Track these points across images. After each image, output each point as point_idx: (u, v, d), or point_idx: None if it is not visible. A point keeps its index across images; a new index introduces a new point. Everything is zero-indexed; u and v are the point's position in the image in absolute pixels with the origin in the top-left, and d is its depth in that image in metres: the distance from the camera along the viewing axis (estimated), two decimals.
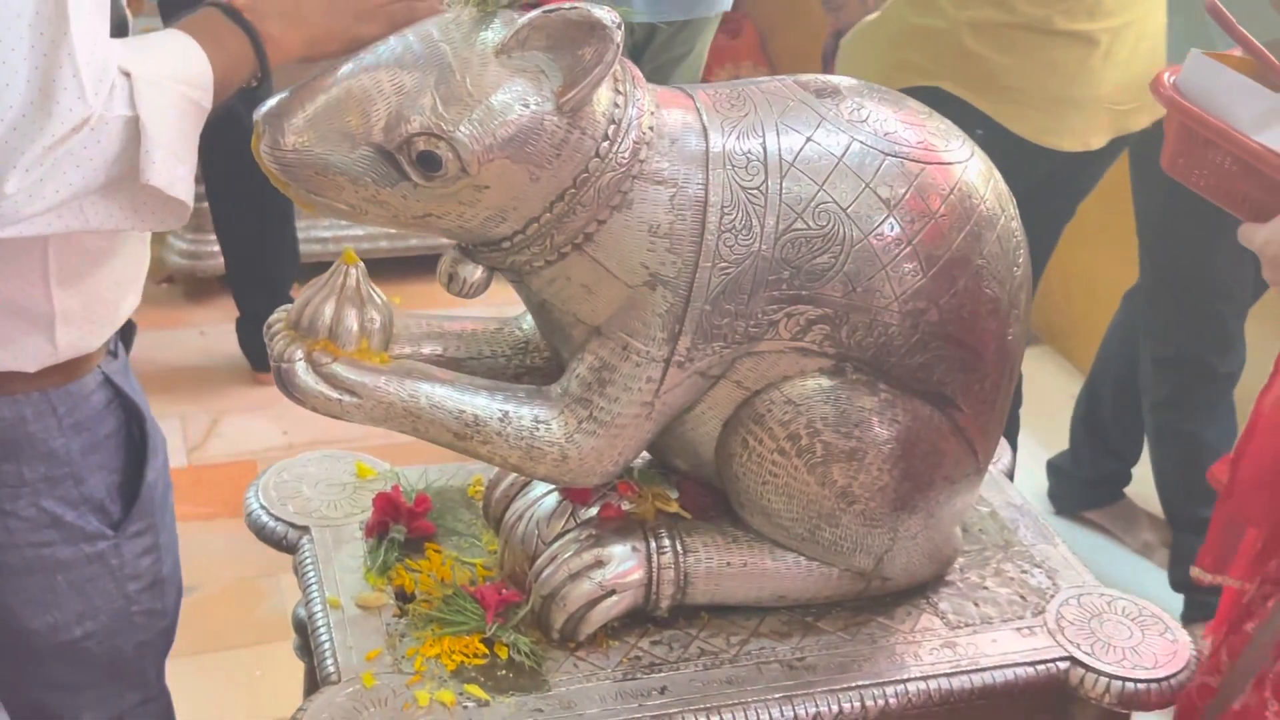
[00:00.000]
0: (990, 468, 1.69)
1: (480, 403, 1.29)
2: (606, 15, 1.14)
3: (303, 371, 1.25)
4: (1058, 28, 2.19)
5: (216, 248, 3.29)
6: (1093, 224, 3.41)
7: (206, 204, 3.22)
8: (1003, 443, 1.75)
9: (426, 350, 1.37)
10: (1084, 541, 2.86)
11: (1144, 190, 2.53)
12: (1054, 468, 3.01)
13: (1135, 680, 1.38)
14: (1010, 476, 1.71)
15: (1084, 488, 2.97)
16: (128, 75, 1.12)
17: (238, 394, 3.13)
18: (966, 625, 1.44)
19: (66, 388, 1.33)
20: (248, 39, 1.23)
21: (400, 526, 1.47)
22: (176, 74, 1.17)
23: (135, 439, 1.43)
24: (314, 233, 3.47)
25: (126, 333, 3.15)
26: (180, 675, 2.35)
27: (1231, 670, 1.29)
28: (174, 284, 3.56)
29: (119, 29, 1.20)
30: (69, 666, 1.42)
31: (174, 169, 1.16)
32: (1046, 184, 2.36)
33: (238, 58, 1.23)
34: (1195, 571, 1.48)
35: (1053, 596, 1.48)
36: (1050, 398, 3.36)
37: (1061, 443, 3.00)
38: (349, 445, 1.65)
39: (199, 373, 3.21)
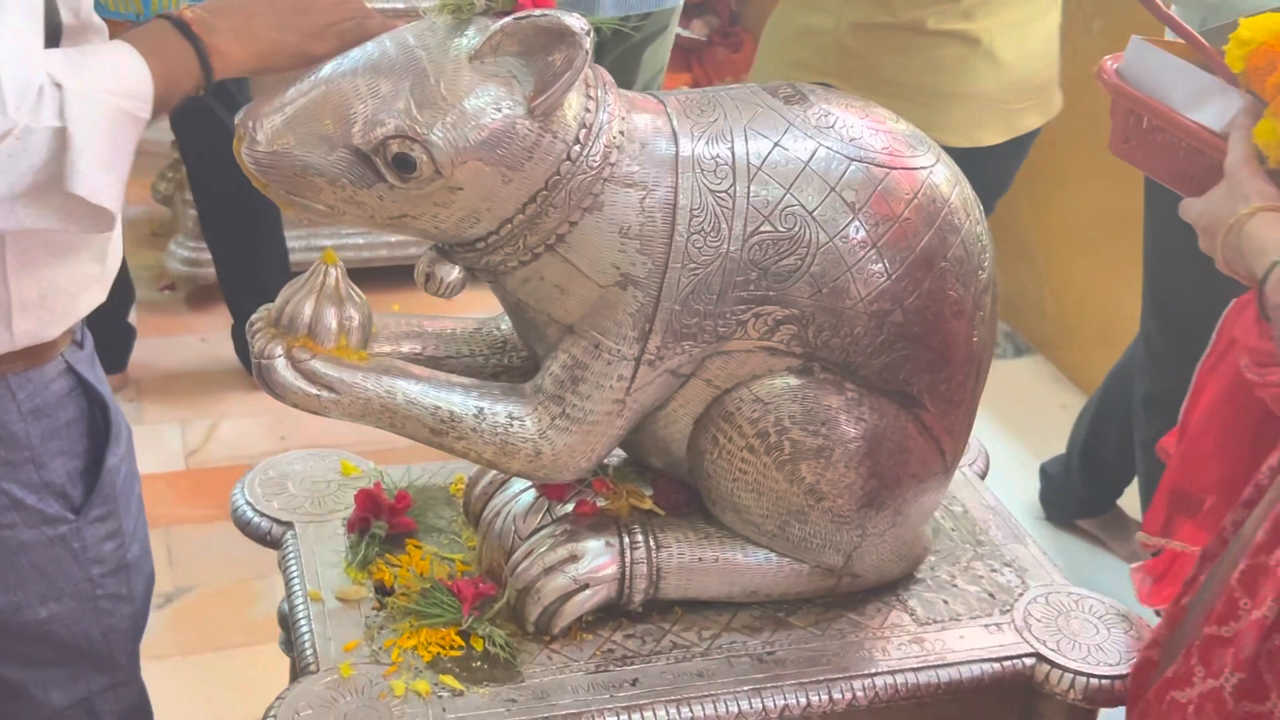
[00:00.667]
0: (965, 469, 1.72)
1: (456, 399, 1.32)
2: (576, 22, 1.18)
3: (282, 368, 1.28)
4: (933, 28, 2.24)
5: None
6: (1085, 237, 3.45)
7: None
8: (978, 444, 1.78)
9: (405, 349, 1.41)
10: (1074, 548, 2.88)
11: (1155, 230, 2.53)
12: (1046, 474, 3.02)
13: (1100, 676, 1.41)
14: (983, 476, 1.74)
15: (1076, 500, 2.98)
16: (59, 86, 1.16)
17: (236, 399, 3.16)
18: (935, 622, 1.47)
19: (26, 374, 1.36)
20: (194, 52, 1.26)
21: (381, 522, 1.50)
22: (112, 85, 1.20)
23: (99, 426, 1.46)
24: (315, 241, 3.51)
25: (126, 338, 3.20)
26: (174, 674, 2.40)
27: (1169, 643, 1.32)
28: (175, 291, 3.60)
29: (53, 35, 1.24)
30: (35, 646, 1.45)
31: (99, 178, 1.19)
32: None
33: (182, 70, 1.26)
34: (1140, 536, 1.52)
35: (1021, 595, 1.51)
36: (1042, 407, 3.39)
37: (1051, 450, 3.01)
38: (345, 448, 1.68)
39: (199, 378, 3.25)
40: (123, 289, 3.16)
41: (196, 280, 3.50)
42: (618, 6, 2.67)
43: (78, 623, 1.46)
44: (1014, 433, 3.20)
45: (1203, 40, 1.33)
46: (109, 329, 3.14)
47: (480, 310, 1.72)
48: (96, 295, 1.41)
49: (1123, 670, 1.41)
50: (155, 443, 3.03)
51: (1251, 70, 1.24)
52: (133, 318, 3.22)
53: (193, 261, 3.46)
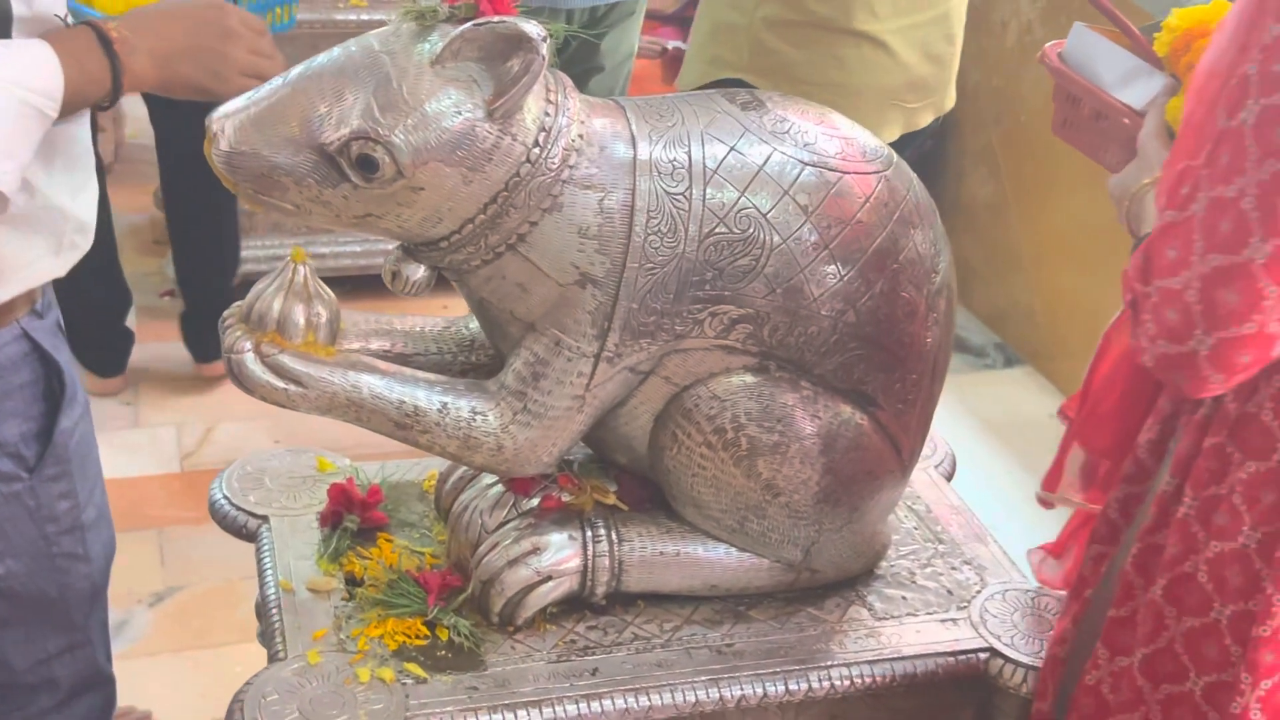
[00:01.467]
0: (931, 469, 1.76)
1: (420, 394, 1.36)
2: (533, 28, 1.22)
3: (251, 362, 1.32)
4: (842, 26, 2.29)
5: None
6: (1075, 249, 3.48)
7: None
8: (945, 445, 1.81)
9: (375, 346, 1.44)
10: None
11: None
12: None
13: None
14: (949, 478, 1.77)
15: None
16: None
17: (232, 403, 3.20)
18: (892, 617, 1.50)
19: None
20: (109, 68, 1.33)
21: (353, 516, 1.54)
22: (23, 80, 1.26)
23: (54, 391, 1.51)
24: (312, 248, 3.55)
25: (125, 342, 3.24)
26: (165, 670, 2.44)
27: (1076, 638, 1.34)
28: (175, 297, 3.65)
29: (3, 26, 1.29)
30: None
31: None
32: None
33: (94, 79, 1.33)
34: (1040, 494, 1.55)
35: (979, 592, 1.54)
36: (1032, 417, 3.42)
37: (1040, 457, 3.03)
38: (340, 453, 1.71)
39: (196, 382, 3.29)
40: (120, 294, 3.21)
41: None
42: None
43: (34, 580, 1.50)
44: (1003, 442, 3.23)
45: (1134, 28, 1.41)
46: (107, 333, 3.19)
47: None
48: (52, 268, 1.45)
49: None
50: (151, 445, 3.08)
51: (1172, 54, 1.32)
52: (131, 322, 3.27)
53: None
